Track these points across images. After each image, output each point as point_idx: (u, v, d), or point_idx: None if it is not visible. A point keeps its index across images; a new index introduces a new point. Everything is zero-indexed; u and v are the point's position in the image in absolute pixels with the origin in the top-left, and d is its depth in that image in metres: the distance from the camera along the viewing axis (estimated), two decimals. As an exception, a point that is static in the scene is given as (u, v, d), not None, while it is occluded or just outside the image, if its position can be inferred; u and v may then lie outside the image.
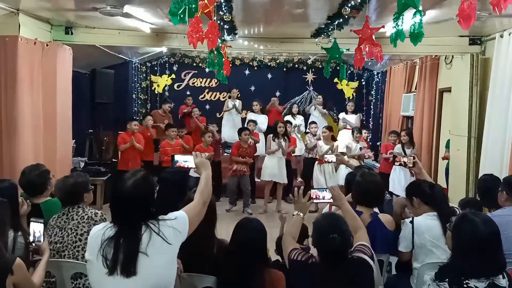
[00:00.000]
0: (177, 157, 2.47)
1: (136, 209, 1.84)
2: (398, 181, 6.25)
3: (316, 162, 6.85)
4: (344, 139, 7.30)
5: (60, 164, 5.52)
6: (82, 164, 7.02)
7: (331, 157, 5.04)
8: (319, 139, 7.04)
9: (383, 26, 3.60)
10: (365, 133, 7.60)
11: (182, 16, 2.42)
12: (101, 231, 1.85)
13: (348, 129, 7.80)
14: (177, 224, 1.90)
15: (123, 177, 1.90)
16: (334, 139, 7.08)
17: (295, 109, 8.62)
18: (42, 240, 2.51)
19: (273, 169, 6.83)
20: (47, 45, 5.26)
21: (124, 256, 1.77)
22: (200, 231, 2.08)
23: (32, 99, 4.96)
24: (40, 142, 5.15)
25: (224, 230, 2.60)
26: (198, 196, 2.12)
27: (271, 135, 7.00)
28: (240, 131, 6.95)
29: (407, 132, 6.59)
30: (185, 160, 2.43)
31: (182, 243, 1.93)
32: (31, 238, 2.50)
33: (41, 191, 3.13)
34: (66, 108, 5.77)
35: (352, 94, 9.82)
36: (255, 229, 2.33)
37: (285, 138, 6.95)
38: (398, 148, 6.46)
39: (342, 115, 8.51)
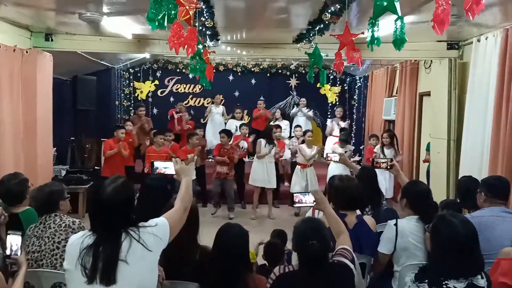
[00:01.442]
0: (157, 164, 2.47)
1: (116, 215, 1.83)
2: (384, 183, 6.29)
3: (298, 166, 6.85)
4: (331, 145, 7.34)
5: (41, 172, 5.44)
6: (64, 172, 6.91)
7: (335, 157, 5.00)
8: (302, 142, 7.06)
9: (362, 32, 3.65)
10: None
11: (161, 22, 2.41)
12: (80, 239, 1.83)
13: (335, 136, 7.77)
14: (158, 230, 1.89)
15: (102, 184, 1.89)
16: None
17: (278, 113, 8.61)
18: (19, 253, 2.45)
19: (262, 174, 6.79)
20: (26, 52, 5.20)
21: (103, 264, 1.75)
22: (183, 237, 2.07)
23: (12, 107, 4.89)
24: (20, 150, 5.07)
25: (209, 236, 2.58)
26: (178, 202, 2.11)
27: (261, 139, 6.95)
28: (220, 133, 6.97)
29: (390, 134, 6.59)
30: (165, 167, 2.42)
31: (164, 250, 1.92)
32: (7, 252, 2.43)
33: (20, 200, 3.06)
34: (46, 115, 5.70)
35: (335, 99, 9.93)
36: (237, 234, 2.32)
37: (276, 143, 6.97)
38: (377, 149, 6.51)
39: (329, 121, 8.48)
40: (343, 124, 8.05)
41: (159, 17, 2.47)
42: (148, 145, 7.30)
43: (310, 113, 8.86)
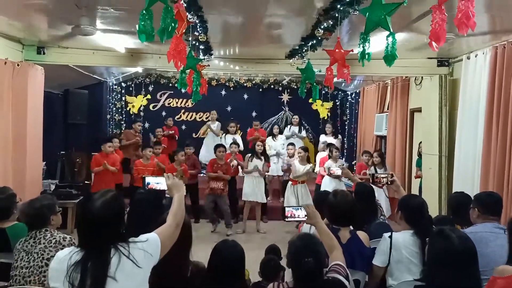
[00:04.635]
0: (149, 179, 2.43)
1: (105, 231, 1.79)
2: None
3: (290, 182, 6.84)
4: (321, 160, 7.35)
5: (29, 187, 5.35)
6: (53, 187, 6.81)
7: (337, 171, 4.98)
8: (292, 156, 7.07)
9: (351, 50, 3.71)
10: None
11: (152, 34, 2.40)
12: (67, 256, 1.78)
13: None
14: (148, 246, 1.85)
15: (91, 198, 1.85)
16: (309, 160, 7.10)
17: (275, 130, 8.60)
18: None
19: (250, 189, 6.85)
20: (18, 65, 5.16)
21: (91, 281, 1.70)
22: (174, 253, 2.03)
23: (1, 120, 4.83)
24: (9, 164, 5.00)
25: (204, 252, 2.53)
26: (171, 218, 2.07)
27: (249, 154, 7.03)
28: (215, 148, 6.93)
29: (379, 153, 6.69)
30: (157, 182, 2.39)
31: (155, 266, 1.87)
32: None
33: (7, 216, 3.01)
34: (36, 129, 5.63)
35: (327, 114, 9.98)
36: (233, 251, 2.29)
37: (263, 158, 6.99)
38: (371, 171, 6.53)
39: (323, 137, 8.46)
40: (333, 141, 8.06)
41: (158, 31, 2.47)
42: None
43: (303, 133, 8.85)
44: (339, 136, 8.63)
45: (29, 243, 2.62)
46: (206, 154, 8.30)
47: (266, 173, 7.23)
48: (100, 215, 1.79)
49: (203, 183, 7.18)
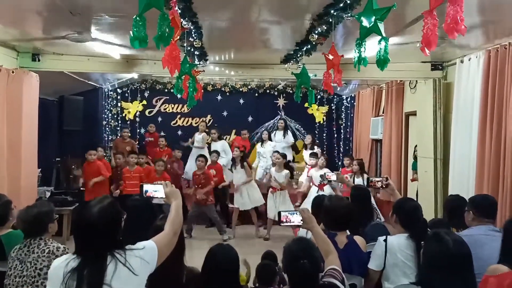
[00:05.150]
0: (147, 187, 2.41)
1: (102, 237, 1.78)
2: None
3: (270, 190, 6.81)
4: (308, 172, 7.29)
5: (25, 194, 5.33)
6: (48, 194, 6.77)
7: (332, 175, 5.01)
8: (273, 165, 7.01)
9: (342, 56, 3.74)
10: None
11: (145, 40, 2.40)
12: (64, 263, 1.77)
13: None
14: (145, 254, 1.84)
15: (88, 204, 1.84)
16: (287, 167, 6.94)
17: (264, 135, 8.61)
18: None
19: (242, 198, 6.92)
20: (12, 72, 5.15)
21: None
22: (170, 259, 2.02)
23: (-4, 127, 4.81)
24: (4, 171, 4.97)
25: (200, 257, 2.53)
26: (168, 225, 2.06)
27: (231, 165, 7.15)
28: (196, 159, 6.95)
29: (359, 162, 6.68)
30: (155, 190, 2.37)
31: (151, 273, 1.87)
32: None
33: (2, 223, 2.99)
34: (31, 136, 5.61)
35: (323, 119, 10.00)
36: (227, 256, 2.27)
37: (243, 165, 6.98)
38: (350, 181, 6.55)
39: (305, 154, 8.30)
40: (314, 150, 7.98)
41: (155, 38, 2.47)
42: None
43: (290, 138, 8.79)
44: (316, 148, 8.44)
45: (23, 251, 2.60)
46: (192, 167, 7.93)
47: (249, 181, 7.08)
48: (96, 222, 1.78)
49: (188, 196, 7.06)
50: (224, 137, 8.94)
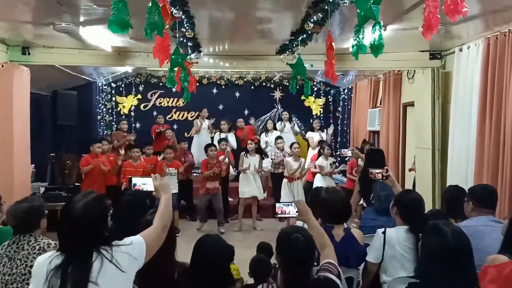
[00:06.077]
0: (135, 180, 2.35)
1: (87, 234, 1.72)
2: None
3: (285, 179, 6.79)
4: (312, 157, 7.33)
5: (18, 190, 5.25)
6: (43, 190, 6.70)
7: (348, 152, 4.99)
8: (285, 155, 7.06)
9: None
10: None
11: (127, 26, 2.27)
12: (47, 260, 1.71)
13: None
14: (133, 249, 1.78)
15: (72, 200, 1.77)
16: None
17: (269, 125, 8.59)
18: None
19: (247, 185, 6.88)
20: (2, 66, 5.07)
21: (72, 286, 1.63)
22: (159, 254, 1.95)
23: (-14, 123, 4.73)
24: (-5, 167, 4.90)
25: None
26: (157, 220, 2.00)
27: (243, 152, 7.05)
28: (206, 148, 6.86)
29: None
30: (143, 183, 2.31)
31: (140, 268, 1.80)
32: None
33: (-10, 219, 2.92)
34: (24, 131, 5.53)
35: (320, 111, 9.93)
36: (216, 246, 2.16)
37: (259, 155, 7.02)
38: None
39: (309, 134, 8.48)
40: (323, 135, 8.12)
41: (145, 27, 2.36)
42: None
43: (296, 127, 8.84)
44: (328, 130, 8.54)
45: (12, 248, 2.53)
46: (198, 154, 8.13)
47: (262, 170, 7.16)
48: (81, 218, 1.72)
49: (197, 183, 7.13)
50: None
